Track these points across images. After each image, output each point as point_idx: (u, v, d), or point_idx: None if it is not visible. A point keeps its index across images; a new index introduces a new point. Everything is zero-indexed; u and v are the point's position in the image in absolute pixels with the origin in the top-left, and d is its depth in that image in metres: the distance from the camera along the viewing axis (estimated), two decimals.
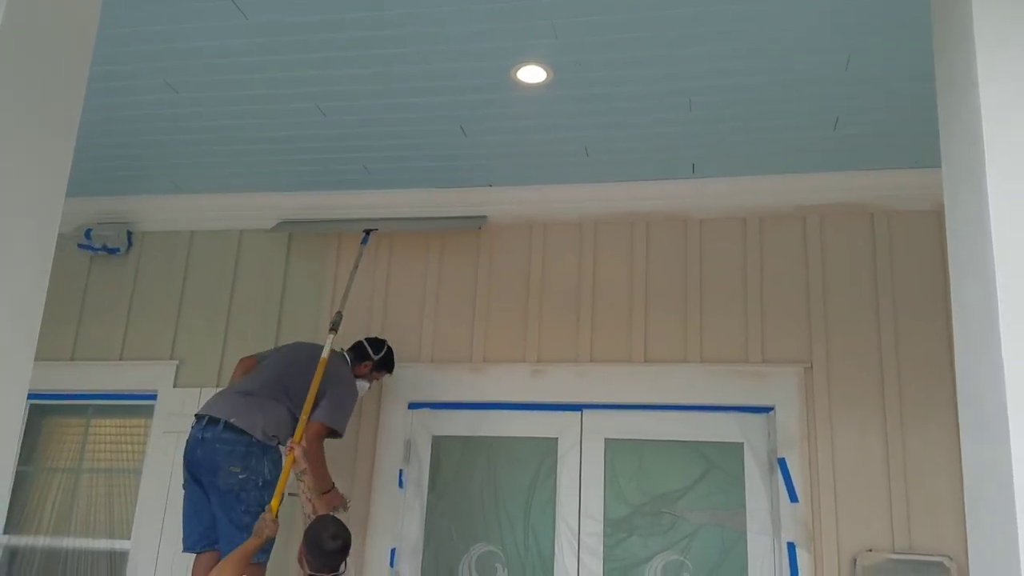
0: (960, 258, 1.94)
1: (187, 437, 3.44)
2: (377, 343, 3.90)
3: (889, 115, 3.43)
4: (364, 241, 4.16)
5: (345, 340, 3.93)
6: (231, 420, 3.37)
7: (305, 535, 3.06)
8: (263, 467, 3.38)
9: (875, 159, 3.79)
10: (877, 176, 3.87)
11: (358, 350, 3.85)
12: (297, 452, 3.30)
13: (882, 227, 3.89)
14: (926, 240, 3.81)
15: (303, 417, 3.40)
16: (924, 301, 3.75)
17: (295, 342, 3.91)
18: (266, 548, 3.24)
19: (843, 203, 3.94)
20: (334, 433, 3.59)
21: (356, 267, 4.06)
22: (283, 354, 3.76)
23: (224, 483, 3.30)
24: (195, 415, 3.49)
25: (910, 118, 3.41)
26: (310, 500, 3.23)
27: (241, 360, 3.81)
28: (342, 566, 3.01)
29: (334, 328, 3.72)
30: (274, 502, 3.20)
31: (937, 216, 3.80)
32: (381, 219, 4.24)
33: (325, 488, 3.60)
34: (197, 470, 3.37)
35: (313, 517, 3.19)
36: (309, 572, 3.00)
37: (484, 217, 4.18)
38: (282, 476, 3.29)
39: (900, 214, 3.89)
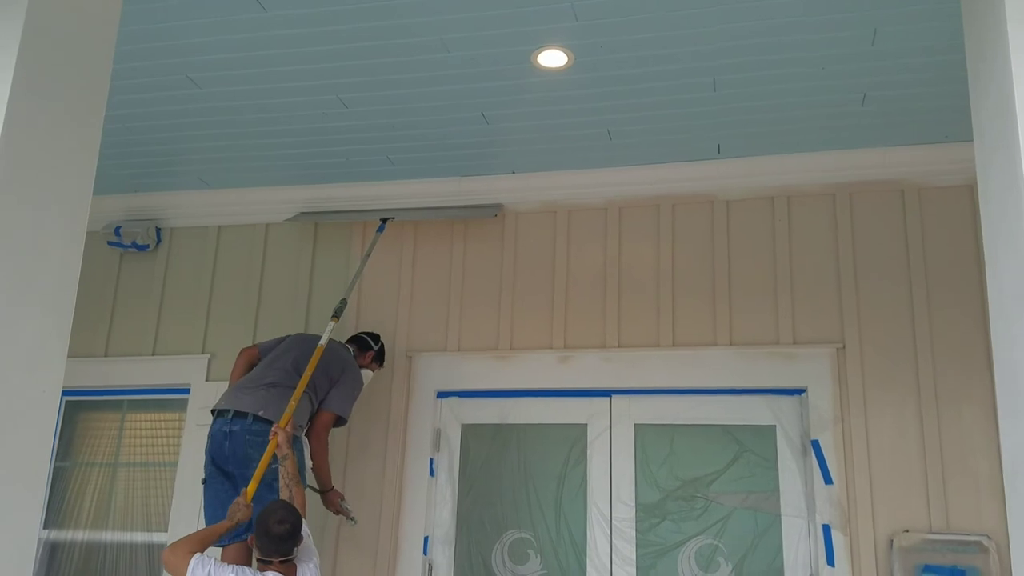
0: (994, 231, 1.90)
1: (209, 431, 3.48)
2: (373, 336, 3.97)
3: (918, 89, 3.37)
4: (380, 229, 4.17)
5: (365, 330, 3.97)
6: (259, 413, 3.42)
7: (255, 520, 3.05)
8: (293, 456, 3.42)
9: (904, 134, 3.72)
10: (907, 152, 3.81)
11: (360, 342, 3.92)
12: (281, 437, 3.28)
13: (913, 203, 3.83)
14: (959, 215, 3.75)
15: (291, 404, 3.41)
16: (958, 277, 3.68)
17: (298, 334, 3.93)
18: (236, 532, 3.23)
19: (873, 180, 3.87)
20: (340, 421, 3.66)
21: (368, 255, 4.08)
22: (293, 343, 3.77)
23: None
24: (215, 410, 3.52)
25: (940, 91, 3.35)
26: (288, 486, 3.22)
27: (243, 351, 3.84)
28: (295, 551, 2.99)
29: (336, 315, 3.75)
30: (250, 487, 3.21)
31: (970, 190, 3.73)
32: (395, 209, 4.24)
33: (326, 487, 3.67)
34: (225, 463, 3.42)
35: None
36: (259, 557, 2.99)
37: (500, 205, 4.18)
38: (262, 461, 3.29)
39: (931, 190, 3.82)
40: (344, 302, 3.83)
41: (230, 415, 3.44)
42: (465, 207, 4.21)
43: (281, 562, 2.96)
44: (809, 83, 3.34)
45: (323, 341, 3.61)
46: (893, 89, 3.37)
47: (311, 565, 3.04)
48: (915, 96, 3.42)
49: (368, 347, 3.92)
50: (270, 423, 3.39)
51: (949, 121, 3.55)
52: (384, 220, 4.20)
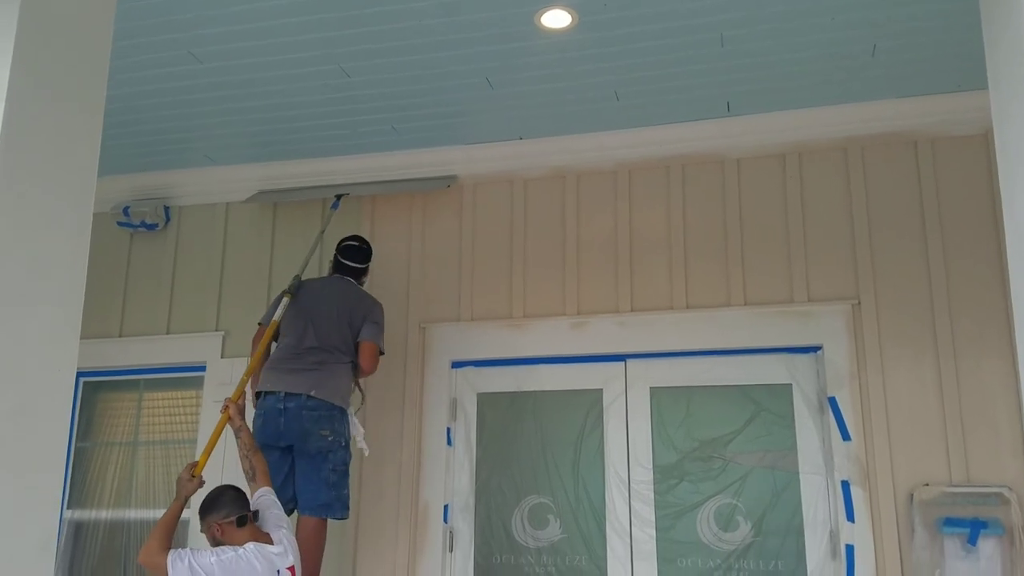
0: (1011, 179, 1.87)
1: (260, 410, 3.52)
2: (352, 253, 3.87)
3: (929, 38, 3.30)
4: (334, 206, 4.18)
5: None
6: (311, 393, 3.49)
7: (201, 508, 3.09)
8: (343, 428, 3.58)
9: (916, 85, 3.66)
10: (919, 102, 3.75)
11: (352, 271, 3.85)
12: (232, 411, 3.33)
13: (926, 155, 3.77)
14: (973, 166, 3.70)
15: (244, 377, 3.46)
16: (973, 228, 3.64)
17: (284, 299, 3.74)
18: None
19: (885, 133, 3.82)
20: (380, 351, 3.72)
21: (322, 232, 4.09)
22: (306, 310, 3.69)
23: (315, 447, 3.47)
24: (263, 391, 3.53)
25: (951, 39, 3.28)
26: (247, 457, 3.27)
27: (255, 338, 3.76)
28: (250, 511, 3.04)
29: (290, 292, 3.72)
30: (201, 460, 3.24)
31: (984, 140, 3.68)
32: (353, 184, 4.24)
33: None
34: (278, 438, 3.48)
35: (252, 474, 3.24)
36: (218, 530, 3.01)
37: (453, 176, 4.18)
38: (213, 434, 3.33)
39: (945, 140, 3.76)
40: (297, 279, 3.80)
41: (283, 394, 3.49)
42: (419, 179, 4.20)
43: (240, 520, 3.01)
44: (818, 35, 3.28)
45: (276, 317, 3.63)
46: (904, 38, 3.30)
47: (285, 530, 3.08)
48: (926, 45, 3.35)
49: (362, 272, 3.87)
50: (323, 401, 3.49)
51: (961, 69, 3.49)
52: (338, 197, 4.21)
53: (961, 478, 3.43)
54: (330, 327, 3.65)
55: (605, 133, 4.04)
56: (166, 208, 4.53)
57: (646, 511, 3.75)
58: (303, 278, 3.85)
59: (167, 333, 4.42)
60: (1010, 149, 1.88)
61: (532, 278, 4.08)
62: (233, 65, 3.50)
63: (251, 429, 3.45)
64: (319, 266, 4.19)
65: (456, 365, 4.10)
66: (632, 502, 3.77)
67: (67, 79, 2.01)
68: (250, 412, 3.54)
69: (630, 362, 3.93)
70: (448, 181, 4.18)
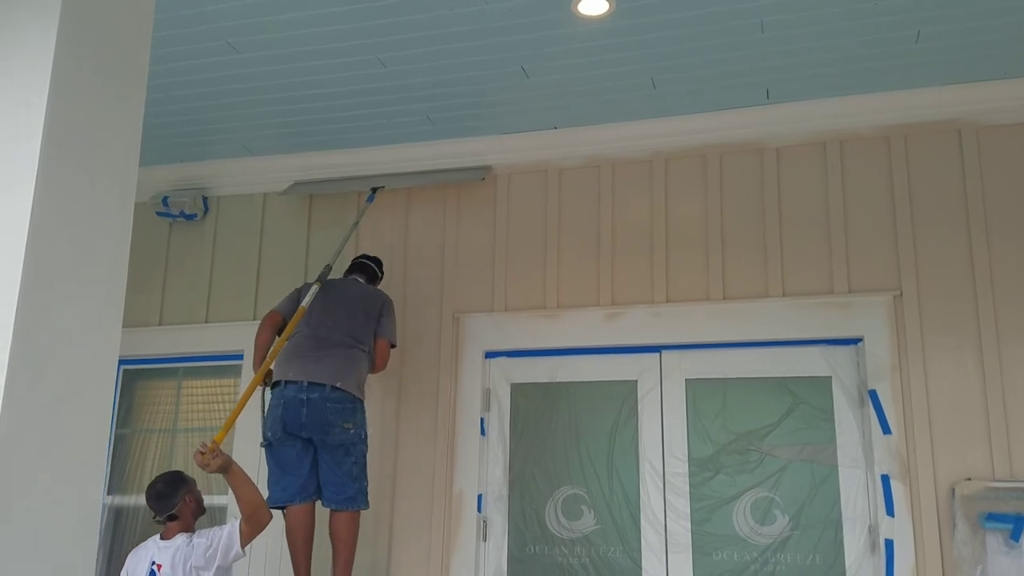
0: None
1: (281, 398, 3.51)
2: (375, 260, 4.00)
3: (975, 23, 3.22)
4: (370, 199, 4.21)
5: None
6: (337, 384, 3.49)
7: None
8: (364, 420, 3.60)
9: (961, 72, 3.58)
10: (964, 90, 3.67)
11: (369, 272, 3.95)
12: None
13: (970, 143, 3.70)
14: (1019, 154, 3.63)
15: (268, 360, 3.50)
16: (1018, 218, 3.57)
17: (313, 287, 3.73)
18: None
19: (928, 121, 3.74)
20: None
21: (356, 224, 4.11)
22: (327, 300, 3.71)
23: (338, 439, 3.48)
24: (284, 380, 3.52)
25: (998, 24, 3.21)
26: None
27: (265, 319, 3.78)
28: (174, 509, 3.29)
29: (320, 280, 3.74)
30: (219, 435, 3.24)
31: None
32: (387, 175, 4.26)
33: None
34: (301, 429, 3.47)
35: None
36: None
37: (488, 167, 4.17)
38: (242, 399, 3.37)
39: (990, 128, 3.68)
40: (329, 268, 3.83)
41: (305, 383, 3.48)
42: (454, 170, 4.20)
43: (168, 518, 3.31)
44: (860, 21, 3.22)
45: (305, 303, 3.63)
46: (949, 24, 3.23)
47: (190, 539, 3.24)
48: (972, 31, 3.28)
49: (377, 276, 3.98)
50: (347, 393, 3.50)
51: (1009, 55, 3.41)
52: (374, 189, 4.22)
53: (1004, 472, 3.37)
54: (351, 316, 3.69)
55: (641, 122, 4.01)
56: (204, 198, 4.58)
57: (681, 503, 3.73)
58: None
59: (206, 322, 4.47)
60: None
61: (566, 268, 4.06)
62: (270, 55, 3.52)
63: (266, 417, 3.54)
64: (349, 259, 4.21)
65: (490, 355, 4.09)
66: (667, 494, 3.75)
67: (109, 69, 2.03)
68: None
69: (665, 353, 3.90)
70: (483, 172, 4.17)
